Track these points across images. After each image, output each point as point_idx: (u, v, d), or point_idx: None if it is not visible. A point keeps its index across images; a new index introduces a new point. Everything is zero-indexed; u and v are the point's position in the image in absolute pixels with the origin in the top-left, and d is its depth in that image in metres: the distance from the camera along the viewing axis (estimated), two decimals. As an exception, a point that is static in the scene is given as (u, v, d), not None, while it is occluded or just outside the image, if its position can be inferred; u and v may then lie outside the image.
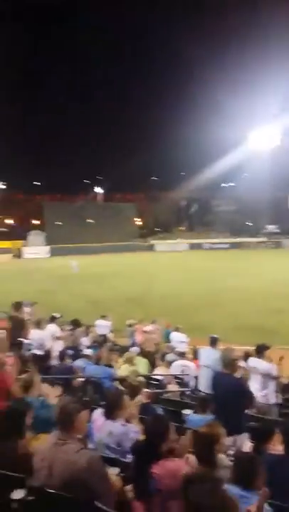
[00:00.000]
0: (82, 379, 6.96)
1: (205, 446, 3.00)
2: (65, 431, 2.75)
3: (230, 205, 79.51)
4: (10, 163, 73.96)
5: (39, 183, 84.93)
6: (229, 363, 4.99)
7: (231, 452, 3.74)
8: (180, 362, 8.91)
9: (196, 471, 2.78)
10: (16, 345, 7.30)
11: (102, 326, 13.01)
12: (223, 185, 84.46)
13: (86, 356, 8.07)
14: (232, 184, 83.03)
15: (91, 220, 70.97)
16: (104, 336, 12.33)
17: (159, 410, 5.32)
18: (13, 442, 3.10)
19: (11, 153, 75.66)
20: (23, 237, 64.70)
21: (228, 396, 4.72)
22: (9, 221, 78.46)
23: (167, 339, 12.05)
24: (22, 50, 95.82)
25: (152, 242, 69.66)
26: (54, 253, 57.49)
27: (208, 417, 4.61)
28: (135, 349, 9.66)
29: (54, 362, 8.19)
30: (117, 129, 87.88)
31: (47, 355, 8.65)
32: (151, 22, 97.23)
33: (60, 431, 2.76)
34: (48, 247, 61.24)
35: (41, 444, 2.90)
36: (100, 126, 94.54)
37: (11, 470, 2.84)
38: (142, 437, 3.39)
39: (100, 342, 10.85)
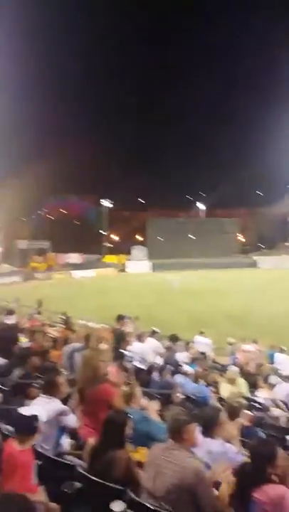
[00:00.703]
0: (182, 395, 6.91)
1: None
2: (175, 440, 2.77)
3: None
4: (117, 182, 78.21)
5: (143, 201, 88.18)
6: None
7: None
8: (285, 385, 8.39)
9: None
10: (118, 357, 7.56)
11: (202, 343, 12.83)
12: None
13: (185, 373, 8.01)
14: None
15: (193, 236, 71.20)
16: (204, 353, 12.14)
17: (261, 434, 5.05)
18: (113, 453, 3.18)
19: (117, 173, 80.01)
20: (128, 252, 67.39)
21: None
22: (115, 237, 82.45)
23: (271, 360, 11.46)
24: (136, 74, 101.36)
25: (255, 258, 67.39)
26: (155, 268, 58.75)
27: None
28: (236, 369, 9.34)
29: (154, 376, 8.27)
30: (219, 145, 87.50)
31: (148, 368, 8.77)
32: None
33: (170, 439, 2.77)
34: (149, 262, 62.82)
35: (150, 451, 2.93)
36: (202, 143, 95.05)
37: (112, 481, 2.91)
38: (244, 459, 3.25)
39: (199, 359, 10.70)
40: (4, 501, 1.85)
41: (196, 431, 3.40)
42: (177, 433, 2.80)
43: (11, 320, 10.83)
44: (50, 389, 4.07)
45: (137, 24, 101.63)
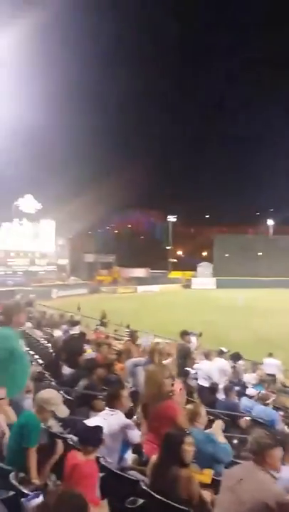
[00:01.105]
0: (248, 418, 6.62)
1: None
2: (257, 463, 2.64)
3: None
4: (183, 198, 78.62)
5: (208, 216, 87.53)
6: None
7: None
8: None
9: None
10: (182, 374, 7.44)
11: (271, 365, 12.26)
12: None
13: (252, 395, 7.67)
14: None
15: (261, 253, 69.05)
16: (272, 375, 11.59)
17: None
18: (174, 471, 3.09)
19: (184, 188, 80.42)
20: (193, 268, 66.93)
21: None
22: (180, 252, 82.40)
23: None
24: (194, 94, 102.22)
25: None
26: (221, 285, 57.53)
27: None
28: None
29: (219, 396, 8.01)
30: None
31: (213, 388, 8.52)
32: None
33: (252, 462, 2.65)
34: (215, 279, 61.81)
35: (228, 472, 2.81)
36: (271, 158, 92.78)
37: (173, 500, 2.83)
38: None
39: (267, 381, 10.22)
40: (63, 498, 1.87)
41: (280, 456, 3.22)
42: (260, 456, 2.67)
43: (76, 331, 11.12)
44: (113, 401, 4.08)
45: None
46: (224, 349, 10.39)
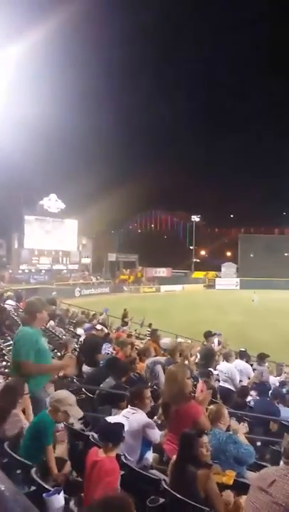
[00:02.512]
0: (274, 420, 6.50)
1: None
2: None
3: None
4: (207, 198, 78.01)
5: (233, 216, 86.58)
6: None
7: None
8: None
9: None
10: (204, 374, 7.36)
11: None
12: None
13: (277, 397, 7.54)
14: None
15: (287, 254, 67.83)
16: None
17: None
18: (191, 471, 3.10)
19: (208, 188, 79.83)
20: (217, 269, 66.38)
21: None
22: (203, 252, 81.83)
23: None
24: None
25: None
26: (246, 285, 56.83)
27: None
28: None
29: (243, 398, 7.90)
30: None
31: (236, 390, 8.41)
32: None
33: (285, 465, 2.59)
34: (238, 279, 61.15)
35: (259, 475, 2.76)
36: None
37: (192, 499, 2.81)
38: None
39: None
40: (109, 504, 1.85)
41: None
42: None
43: (98, 329, 11.17)
44: (135, 400, 4.08)
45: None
46: (245, 350, 10.26)
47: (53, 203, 53.58)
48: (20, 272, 49.86)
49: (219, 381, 8.20)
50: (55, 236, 54.21)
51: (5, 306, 14.47)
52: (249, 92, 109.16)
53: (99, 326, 10.37)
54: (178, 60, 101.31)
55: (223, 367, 8.55)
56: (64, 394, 3.72)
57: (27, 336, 4.29)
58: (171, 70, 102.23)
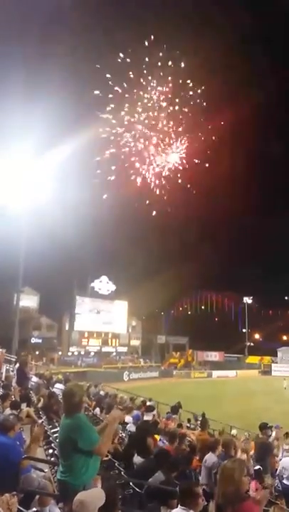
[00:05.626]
0: None
1: None
2: None
3: None
4: (261, 279, 76.58)
5: (287, 298, 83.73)
6: None
7: None
8: None
9: None
10: (260, 471, 6.77)
11: None
12: None
13: None
14: None
15: None
16: None
17: None
18: None
19: (261, 269, 78.56)
20: (272, 353, 63.12)
21: None
22: (257, 336, 78.64)
23: None
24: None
25: None
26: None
27: None
28: None
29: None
30: None
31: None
32: None
33: None
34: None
35: None
36: None
37: None
38: None
39: None
40: None
41: None
42: None
43: (150, 417, 10.74)
44: (186, 499, 3.80)
45: None
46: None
47: (104, 284, 54.94)
48: (69, 354, 50.08)
49: (283, 478, 7.41)
50: (105, 317, 54.78)
51: (54, 390, 14.39)
52: None
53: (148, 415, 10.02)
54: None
55: (285, 462, 7.75)
56: (88, 497, 3.19)
57: (86, 422, 4.14)
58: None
